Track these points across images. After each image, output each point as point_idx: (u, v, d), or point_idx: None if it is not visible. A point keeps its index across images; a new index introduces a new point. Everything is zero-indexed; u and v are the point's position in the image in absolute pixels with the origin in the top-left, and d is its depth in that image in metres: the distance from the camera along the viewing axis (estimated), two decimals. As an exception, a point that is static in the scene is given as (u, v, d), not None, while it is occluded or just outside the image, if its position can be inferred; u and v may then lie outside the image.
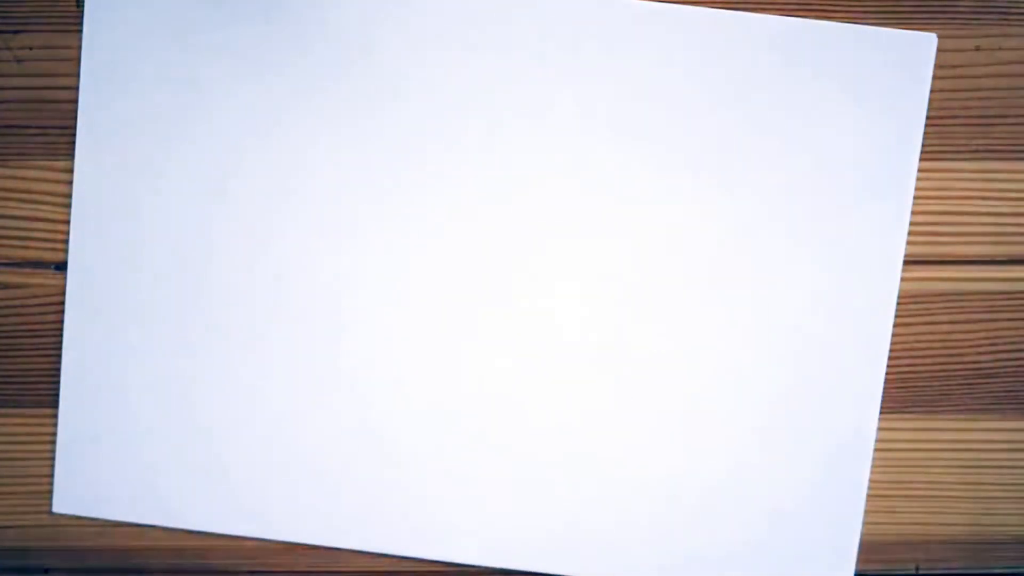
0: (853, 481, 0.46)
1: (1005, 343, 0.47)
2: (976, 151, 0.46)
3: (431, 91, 0.45)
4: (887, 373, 0.46)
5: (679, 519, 0.46)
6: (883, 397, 0.46)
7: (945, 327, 0.46)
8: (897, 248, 0.45)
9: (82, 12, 0.45)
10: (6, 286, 0.46)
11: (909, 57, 0.45)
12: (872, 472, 0.46)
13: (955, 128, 0.46)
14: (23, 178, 0.46)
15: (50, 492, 0.47)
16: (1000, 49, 0.45)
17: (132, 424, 0.46)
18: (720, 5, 0.45)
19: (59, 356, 0.46)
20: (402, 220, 0.45)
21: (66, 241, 0.46)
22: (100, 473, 0.46)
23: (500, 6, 0.45)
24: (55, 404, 0.47)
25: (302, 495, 0.46)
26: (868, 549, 0.47)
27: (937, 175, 0.46)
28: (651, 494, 0.46)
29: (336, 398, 0.46)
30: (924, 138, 0.45)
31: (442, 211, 0.45)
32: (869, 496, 0.46)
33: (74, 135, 0.45)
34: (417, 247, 0.45)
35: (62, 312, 0.46)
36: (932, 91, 0.45)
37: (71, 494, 0.46)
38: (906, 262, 0.46)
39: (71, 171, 0.46)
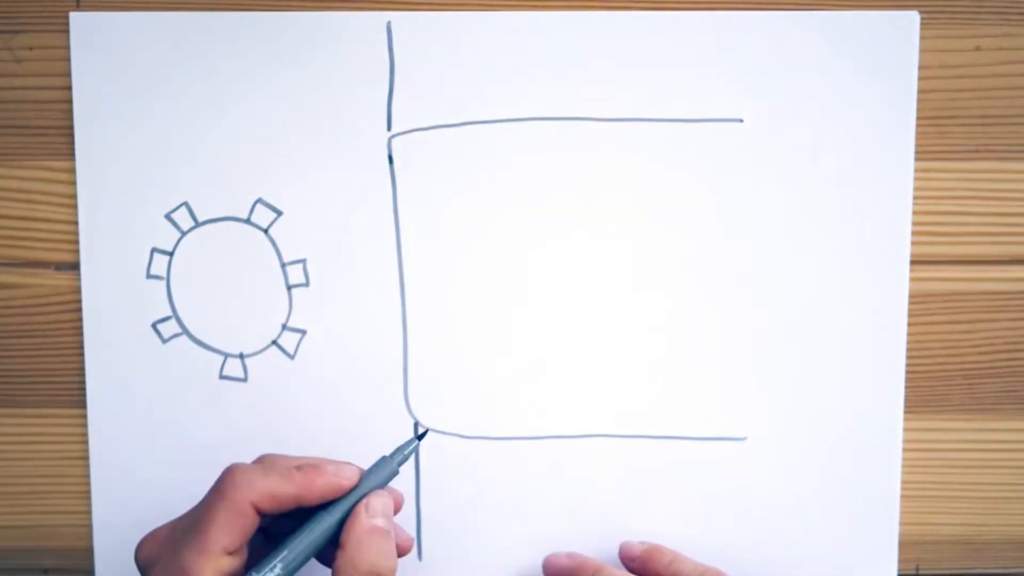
0: (886, 481, 0.46)
1: (1005, 343, 0.47)
2: (976, 151, 0.46)
3: (426, 113, 0.45)
4: (887, 373, 0.46)
5: (714, 528, 0.46)
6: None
7: (945, 327, 0.46)
8: (903, 233, 0.45)
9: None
10: (6, 286, 0.46)
11: (895, 36, 0.44)
12: (872, 472, 0.46)
13: (955, 128, 0.46)
14: (23, 178, 0.46)
15: (46, 492, 0.47)
16: (1000, 49, 0.45)
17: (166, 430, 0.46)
18: (709, 6, 0.45)
19: (58, 356, 0.46)
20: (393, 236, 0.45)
21: (66, 241, 0.46)
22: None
23: (515, 26, 0.45)
24: (51, 404, 0.47)
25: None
26: (868, 549, 0.47)
27: (937, 175, 0.46)
28: (680, 505, 0.46)
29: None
30: (924, 138, 0.45)
31: (447, 219, 0.46)
32: (869, 496, 0.46)
33: (74, 135, 0.45)
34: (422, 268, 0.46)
35: (62, 312, 0.46)
36: (932, 91, 0.45)
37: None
38: (906, 262, 0.46)
39: (71, 171, 0.46)
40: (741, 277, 0.46)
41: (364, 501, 0.39)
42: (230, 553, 0.37)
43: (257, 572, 0.37)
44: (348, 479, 0.39)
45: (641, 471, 0.46)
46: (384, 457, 0.41)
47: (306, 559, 0.38)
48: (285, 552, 0.38)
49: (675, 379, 0.46)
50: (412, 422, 0.46)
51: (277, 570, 0.37)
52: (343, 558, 0.38)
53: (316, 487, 0.39)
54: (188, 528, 0.38)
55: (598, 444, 0.46)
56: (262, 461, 0.40)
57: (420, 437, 0.43)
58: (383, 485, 0.40)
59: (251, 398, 0.46)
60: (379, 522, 0.39)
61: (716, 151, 0.45)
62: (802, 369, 0.46)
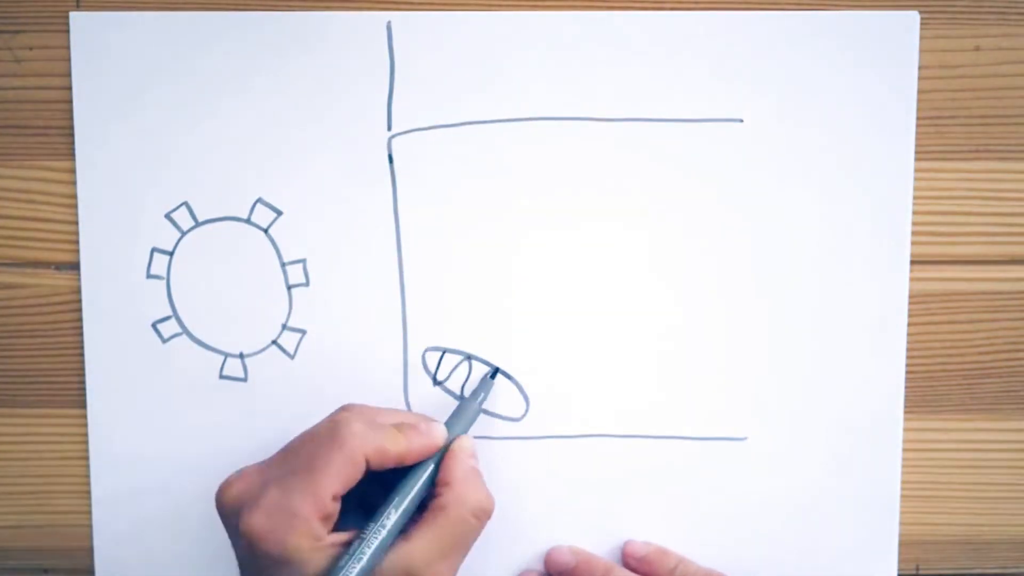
0: (886, 481, 0.46)
1: (1005, 343, 0.47)
2: (976, 151, 0.46)
3: (426, 113, 0.45)
4: (887, 373, 0.46)
5: (714, 528, 0.46)
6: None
7: (945, 327, 0.46)
8: (903, 233, 0.45)
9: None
10: (6, 286, 0.46)
11: (895, 36, 0.44)
12: (872, 472, 0.46)
13: (955, 128, 0.46)
14: (23, 178, 0.46)
15: (46, 492, 0.47)
16: (1000, 49, 0.45)
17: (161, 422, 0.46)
18: (709, 6, 0.45)
19: (58, 356, 0.46)
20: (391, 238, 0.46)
21: (66, 241, 0.46)
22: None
23: (515, 25, 0.45)
24: (51, 404, 0.47)
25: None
26: (868, 549, 0.47)
27: (937, 175, 0.46)
28: (681, 505, 0.46)
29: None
30: (924, 138, 0.45)
31: (447, 220, 0.46)
32: (869, 496, 0.46)
33: (74, 135, 0.45)
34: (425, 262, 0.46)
35: (62, 312, 0.46)
36: (932, 91, 0.45)
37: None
38: (906, 262, 0.46)
39: (71, 171, 0.46)
40: (741, 277, 0.46)
41: (458, 443, 0.42)
42: (334, 500, 0.38)
43: (374, 521, 0.38)
44: (442, 438, 0.41)
45: (641, 471, 0.46)
46: (465, 399, 0.44)
47: (413, 507, 0.40)
48: (396, 499, 0.39)
49: (675, 379, 0.46)
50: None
51: (393, 517, 0.39)
52: (450, 494, 0.40)
53: (416, 449, 0.40)
54: (293, 470, 0.39)
55: (598, 444, 0.46)
56: (353, 412, 0.41)
57: (493, 375, 0.45)
58: (467, 429, 0.43)
59: (251, 398, 0.46)
60: (475, 463, 0.42)
61: (716, 151, 0.45)
62: (802, 369, 0.46)
